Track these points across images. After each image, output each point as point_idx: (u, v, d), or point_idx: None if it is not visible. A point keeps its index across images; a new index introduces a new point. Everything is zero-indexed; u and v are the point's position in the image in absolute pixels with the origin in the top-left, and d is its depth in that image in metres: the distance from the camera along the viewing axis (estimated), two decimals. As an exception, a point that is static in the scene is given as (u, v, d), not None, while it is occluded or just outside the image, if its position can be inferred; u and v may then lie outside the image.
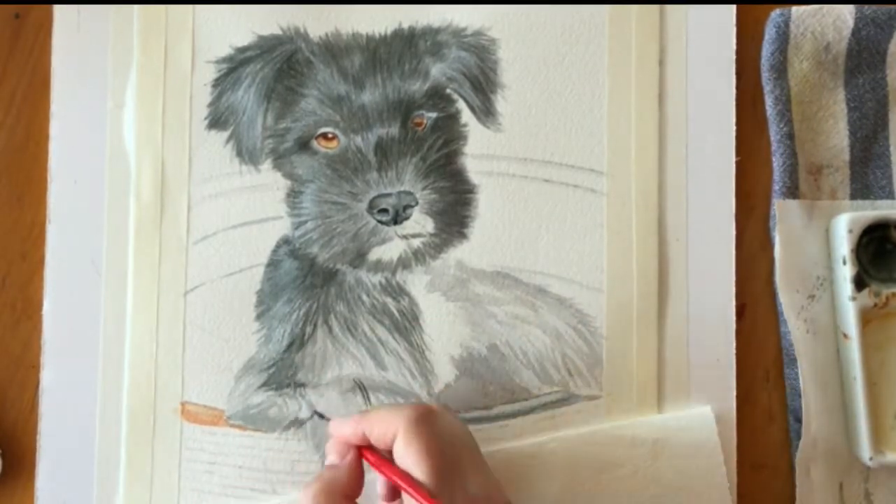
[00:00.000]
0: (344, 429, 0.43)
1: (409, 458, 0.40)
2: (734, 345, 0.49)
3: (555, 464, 0.47)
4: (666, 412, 0.49)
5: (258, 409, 0.48)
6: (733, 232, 0.49)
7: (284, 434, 0.48)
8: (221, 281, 0.49)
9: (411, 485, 0.39)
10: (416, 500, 0.39)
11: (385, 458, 0.42)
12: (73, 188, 0.49)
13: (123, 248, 0.49)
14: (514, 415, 0.49)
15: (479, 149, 0.49)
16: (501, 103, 0.49)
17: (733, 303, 0.49)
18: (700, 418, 0.48)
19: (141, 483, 0.48)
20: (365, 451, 0.43)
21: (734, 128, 0.50)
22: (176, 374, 0.48)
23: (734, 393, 0.49)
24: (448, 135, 0.49)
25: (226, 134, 0.49)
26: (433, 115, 0.49)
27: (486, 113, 0.49)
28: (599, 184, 0.49)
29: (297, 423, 0.48)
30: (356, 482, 0.42)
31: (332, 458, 0.43)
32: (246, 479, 0.48)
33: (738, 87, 0.50)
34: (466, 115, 0.49)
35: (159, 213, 0.49)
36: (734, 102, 0.49)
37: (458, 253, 0.49)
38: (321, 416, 0.47)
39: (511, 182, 0.49)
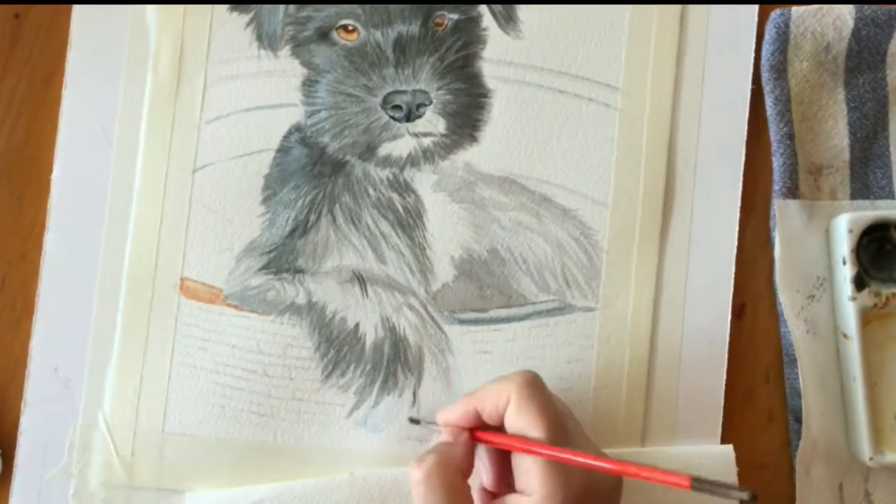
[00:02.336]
0: (454, 412, 0.43)
1: (525, 417, 0.40)
2: (734, 264, 0.49)
3: None
4: (658, 334, 0.49)
5: (256, 291, 0.49)
6: (742, 156, 0.49)
7: (279, 318, 0.49)
8: (231, 162, 0.49)
9: (531, 443, 0.40)
10: (539, 455, 0.39)
11: (498, 432, 0.42)
12: (92, 56, 0.49)
13: (136, 120, 0.49)
14: (508, 319, 0.49)
15: (497, 54, 0.49)
16: (523, 10, 0.50)
17: (736, 226, 0.49)
18: (721, 456, 0.48)
19: (134, 353, 0.48)
20: (477, 433, 0.43)
21: (752, 53, 0.50)
22: (178, 249, 0.49)
23: (728, 313, 0.49)
24: (467, 37, 0.49)
25: (247, 17, 0.49)
26: (454, 16, 0.49)
27: (507, 19, 0.50)
28: (614, 99, 0.49)
29: (294, 308, 0.49)
30: (470, 460, 0.42)
31: (443, 436, 0.43)
32: (238, 359, 0.48)
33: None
34: (487, 20, 0.50)
35: (175, 89, 0.49)
36: (755, 26, 0.49)
37: (468, 155, 0.49)
38: (430, 422, 0.47)
39: (526, 90, 0.49)
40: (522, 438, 0.40)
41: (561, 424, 0.41)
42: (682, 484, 0.36)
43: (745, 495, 0.34)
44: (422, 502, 0.40)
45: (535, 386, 0.41)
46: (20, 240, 0.49)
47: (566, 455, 0.39)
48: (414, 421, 0.48)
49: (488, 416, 0.42)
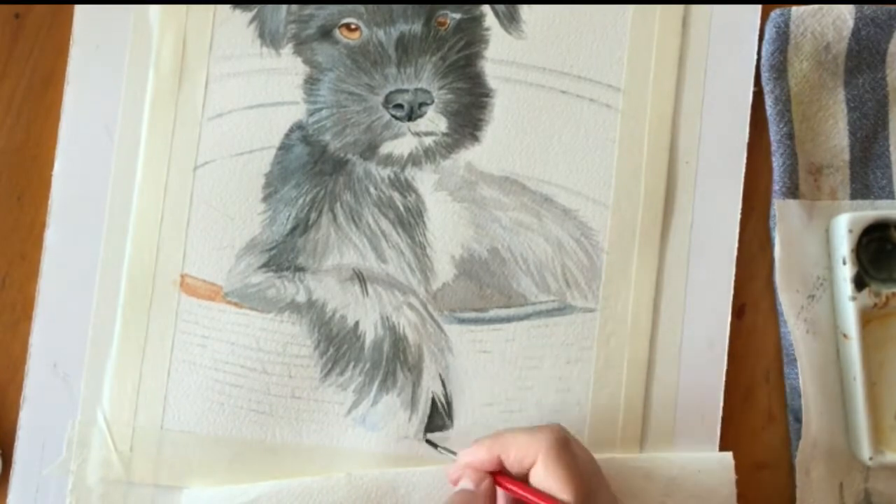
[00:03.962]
0: (478, 455, 0.43)
1: (554, 482, 0.40)
2: (734, 266, 0.49)
3: None
4: (658, 335, 0.49)
5: (256, 289, 0.49)
6: (744, 158, 0.49)
7: (279, 316, 0.49)
8: (232, 159, 0.49)
9: (558, 502, 0.40)
10: None
11: (523, 483, 0.42)
12: (94, 52, 0.49)
13: (138, 116, 0.49)
14: (508, 319, 0.49)
15: (499, 54, 0.49)
16: (526, 11, 0.50)
17: (737, 228, 0.49)
18: (719, 463, 0.48)
19: (133, 349, 0.48)
20: (499, 478, 0.43)
21: (755, 55, 0.50)
22: (178, 246, 0.49)
23: (728, 315, 0.49)
24: (470, 37, 0.49)
25: (250, 15, 0.49)
26: (457, 15, 0.49)
27: (510, 19, 0.50)
28: (615, 100, 0.49)
29: (293, 306, 0.49)
30: None
31: (466, 483, 0.43)
32: (237, 356, 0.48)
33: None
34: (490, 20, 0.50)
35: (177, 86, 0.49)
36: (757, 26, 0.50)
37: (469, 155, 0.49)
38: (447, 449, 0.47)
39: (528, 90, 0.49)
40: (551, 499, 0.40)
41: (588, 487, 0.41)
42: None
43: None
44: None
45: (564, 447, 0.41)
46: (20, 240, 0.49)
47: None
48: (431, 444, 0.48)
49: (510, 467, 0.42)
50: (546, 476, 0.41)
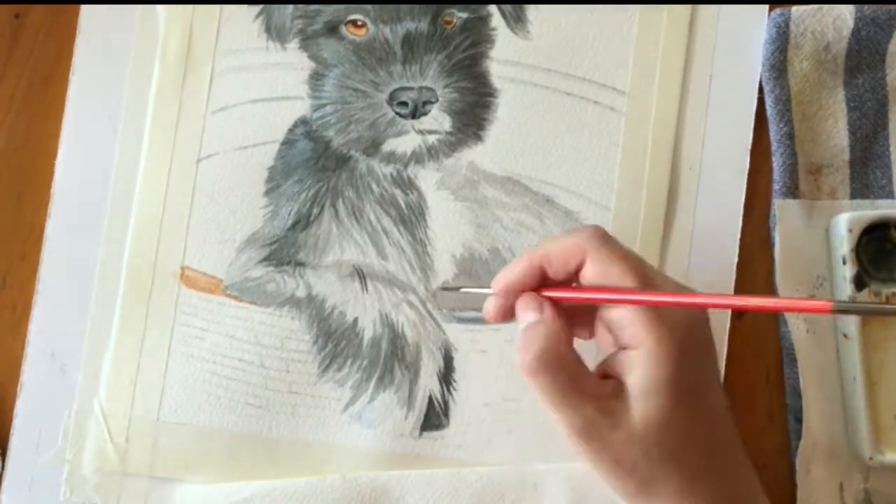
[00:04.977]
0: (515, 271, 0.40)
1: (611, 272, 0.38)
2: (735, 270, 0.49)
3: (558, 495, 0.47)
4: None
5: (256, 283, 0.49)
6: (747, 164, 0.49)
7: (279, 310, 0.49)
8: (235, 153, 0.49)
9: (625, 291, 0.38)
10: (643, 303, 0.37)
11: (575, 286, 0.40)
12: (100, 44, 0.49)
13: (142, 108, 0.49)
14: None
15: (505, 54, 0.49)
16: (533, 11, 0.50)
17: (739, 234, 0.49)
18: None
19: (132, 340, 0.48)
20: (553, 291, 0.40)
21: (759, 65, 0.50)
22: (179, 238, 0.49)
23: (728, 319, 0.49)
24: (476, 36, 0.49)
25: (256, 9, 0.49)
26: (464, 14, 0.49)
27: (516, 19, 0.50)
28: (620, 103, 0.49)
29: (293, 300, 0.49)
30: (568, 327, 0.39)
31: (528, 315, 0.39)
32: (236, 350, 0.48)
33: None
34: (497, 20, 0.50)
35: (182, 78, 0.49)
36: (764, 29, 0.50)
37: (472, 154, 0.49)
38: (451, 289, 0.45)
39: (533, 91, 0.50)
40: (615, 289, 0.38)
41: (645, 270, 0.39)
42: (822, 309, 0.34)
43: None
44: (547, 393, 0.38)
45: (610, 238, 0.39)
46: (20, 240, 0.49)
47: (671, 298, 0.37)
48: (449, 289, 0.47)
49: (555, 274, 0.39)
50: (601, 269, 0.38)
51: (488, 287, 0.41)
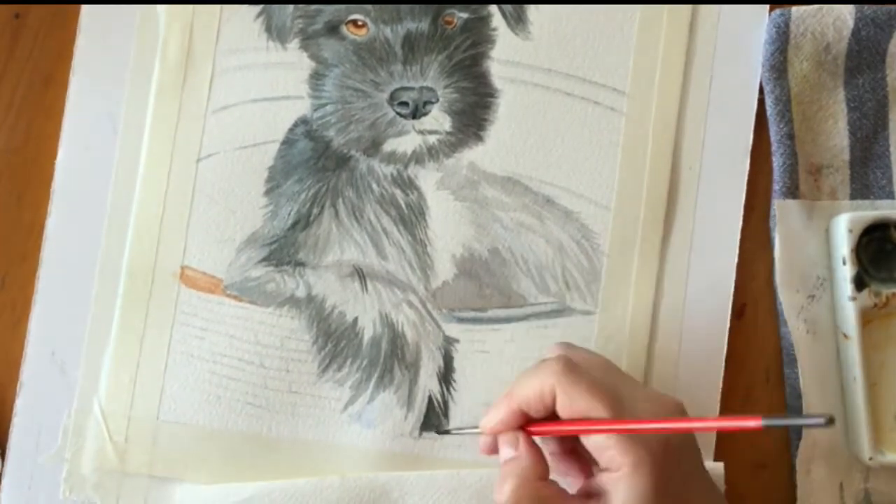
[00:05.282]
0: (499, 415, 0.42)
1: (581, 403, 0.40)
2: (734, 271, 0.49)
3: None
4: (657, 338, 0.49)
5: (256, 283, 0.49)
6: (747, 164, 0.49)
7: (278, 310, 0.49)
8: (235, 153, 0.49)
9: (595, 423, 0.39)
10: (609, 432, 0.39)
11: (552, 422, 0.42)
12: (100, 42, 0.49)
13: (143, 107, 0.49)
14: (507, 320, 0.49)
15: (505, 54, 0.49)
16: (533, 12, 0.50)
17: (738, 234, 0.49)
18: (711, 472, 0.46)
19: (132, 340, 0.48)
20: (529, 429, 0.42)
21: (760, 65, 0.50)
22: (179, 238, 0.49)
23: (727, 321, 0.49)
24: (476, 37, 0.49)
25: (257, 8, 0.49)
26: (464, 15, 0.49)
27: (517, 20, 0.50)
28: (620, 103, 0.49)
29: (293, 300, 0.49)
30: (542, 461, 0.41)
31: (506, 451, 0.42)
32: (235, 350, 0.48)
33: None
34: (497, 20, 0.50)
35: (182, 77, 0.49)
36: (764, 29, 0.50)
37: (472, 154, 0.49)
38: (444, 432, 0.48)
39: (533, 91, 0.50)
40: (585, 420, 0.40)
41: (615, 394, 0.40)
42: (754, 427, 0.35)
43: (820, 421, 0.33)
44: None
45: (575, 371, 0.41)
46: (20, 240, 0.49)
47: (637, 426, 0.39)
48: (443, 432, 0.48)
49: (536, 412, 0.41)
50: (571, 402, 0.40)
51: (476, 428, 0.44)
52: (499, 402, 0.43)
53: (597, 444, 0.40)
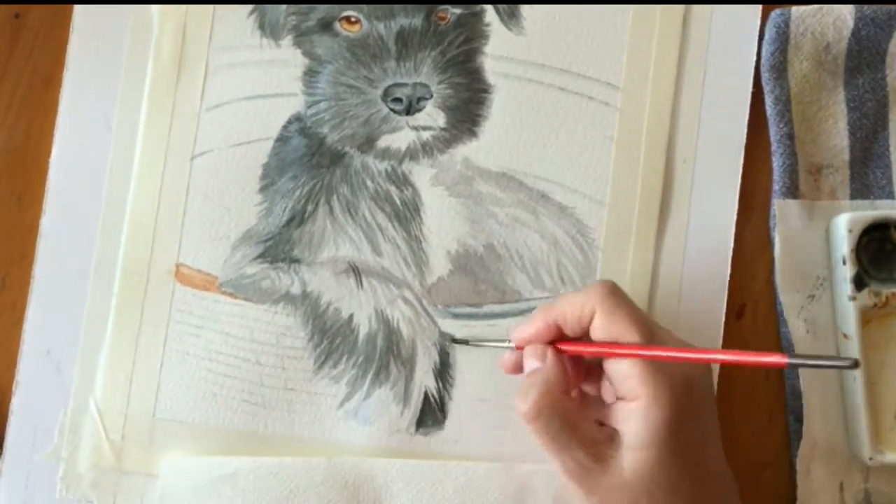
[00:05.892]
0: (533, 327, 0.43)
1: (617, 325, 0.40)
2: (729, 265, 0.49)
3: (544, 499, 0.47)
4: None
5: (251, 280, 0.49)
6: (741, 158, 0.49)
7: (274, 307, 0.49)
8: (229, 150, 0.49)
9: (628, 347, 0.40)
10: (639, 357, 0.39)
11: (585, 341, 0.42)
12: (94, 41, 0.49)
13: (137, 106, 0.49)
14: (503, 315, 0.49)
15: (499, 50, 0.49)
16: (527, 7, 0.50)
17: (733, 228, 0.49)
18: None
19: (127, 338, 0.48)
20: (560, 345, 0.43)
21: (754, 55, 0.50)
22: (174, 236, 0.49)
23: (723, 315, 0.49)
24: (470, 32, 0.49)
25: (250, 6, 0.49)
26: (458, 10, 0.49)
27: (510, 15, 0.50)
28: (614, 98, 0.49)
29: (288, 297, 0.49)
30: (566, 376, 0.42)
31: (531, 363, 0.43)
32: (231, 347, 0.48)
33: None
34: (490, 15, 0.50)
35: (176, 75, 0.49)
36: (758, 26, 0.50)
37: (466, 150, 0.49)
38: (461, 341, 0.48)
39: (527, 86, 0.49)
40: (615, 344, 0.40)
41: (649, 326, 0.41)
42: (780, 363, 0.36)
43: (846, 363, 0.34)
44: (542, 437, 0.40)
45: (618, 294, 0.42)
46: (20, 240, 0.49)
47: (666, 353, 0.39)
48: (460, 341, 0.48)
49: (571, 330, 0.42)
50: (608, 324, 0.40)
51: (507, 341, 0.45)
52: (534, 315, 0.43)
53: (621, 371, 0.40)
